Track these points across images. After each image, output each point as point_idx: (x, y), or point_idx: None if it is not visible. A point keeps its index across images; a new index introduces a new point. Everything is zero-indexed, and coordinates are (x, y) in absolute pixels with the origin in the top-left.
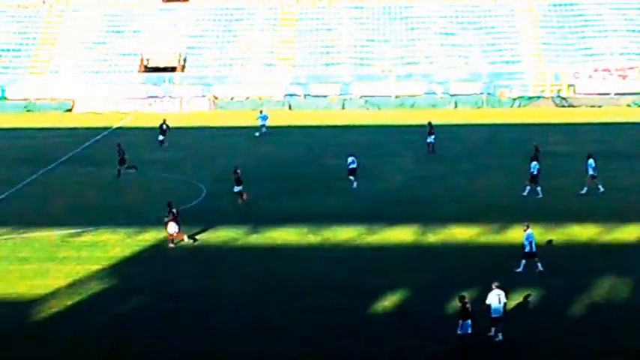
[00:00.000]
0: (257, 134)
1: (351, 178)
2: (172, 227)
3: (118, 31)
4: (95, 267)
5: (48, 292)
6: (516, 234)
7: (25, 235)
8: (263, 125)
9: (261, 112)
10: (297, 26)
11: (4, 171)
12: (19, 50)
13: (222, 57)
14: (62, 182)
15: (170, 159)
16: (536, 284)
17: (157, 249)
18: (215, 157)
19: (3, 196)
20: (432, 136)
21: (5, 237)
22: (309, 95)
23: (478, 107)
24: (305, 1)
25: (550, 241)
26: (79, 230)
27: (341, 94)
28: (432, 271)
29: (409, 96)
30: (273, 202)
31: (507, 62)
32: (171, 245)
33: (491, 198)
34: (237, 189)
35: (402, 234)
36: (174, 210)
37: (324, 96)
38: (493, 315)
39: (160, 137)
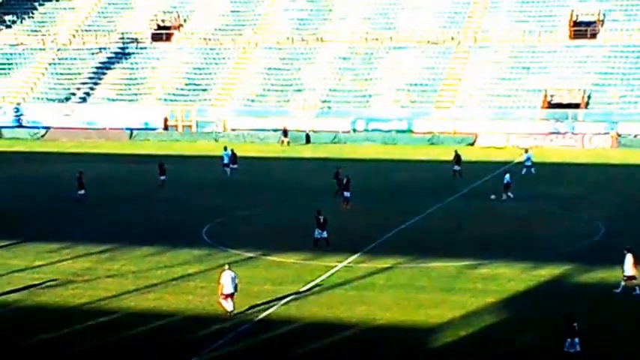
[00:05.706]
0: (523, 172)
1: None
2: None
3: (524, 67)
4: (489, 300)
5: (443, 322)
6: None
7: (423, 264)
8: (528, 166)
9: (526, 150)
10: None
11: (407, 201)
12: (427, 85)
13: (628, 94)
14: (461, 214)
15: (568, 195)
16: None
17: (552, 285)
18: (615, 195)
19: (404, 225)
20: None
21: (404, 265)
22: None
23: None
24: None
25: None
26: (476, 263)
27: None
28: None
29: None
30: None
31: None
32: None
33: None
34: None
35: None
36: None
37: None
38: None
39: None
